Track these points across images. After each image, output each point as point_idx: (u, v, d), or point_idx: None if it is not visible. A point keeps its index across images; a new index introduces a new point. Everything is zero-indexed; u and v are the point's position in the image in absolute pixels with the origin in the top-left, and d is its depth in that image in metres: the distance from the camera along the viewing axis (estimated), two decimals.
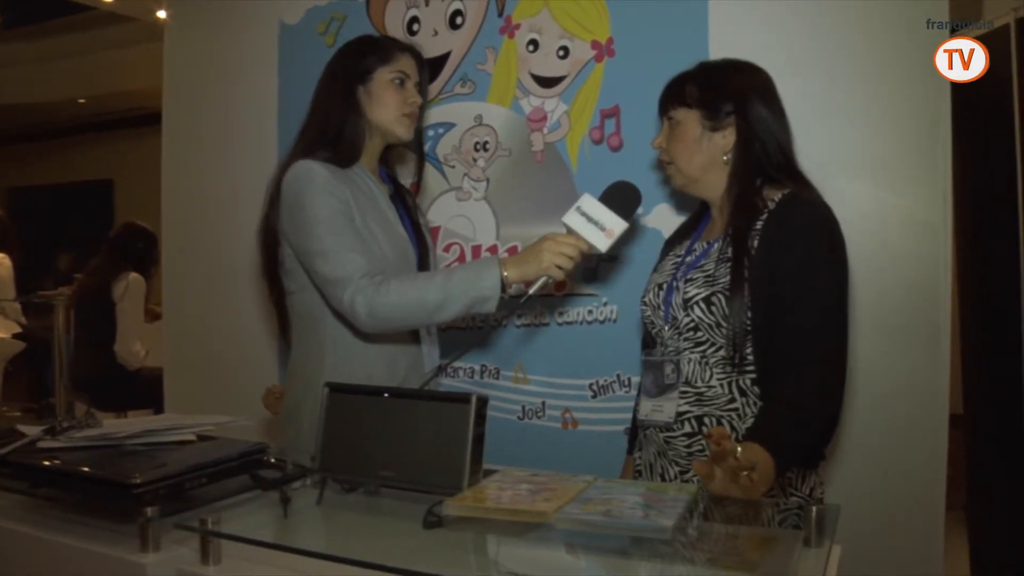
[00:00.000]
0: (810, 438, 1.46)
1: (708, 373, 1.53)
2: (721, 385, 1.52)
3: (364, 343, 1.76)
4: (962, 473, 2.73)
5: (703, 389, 1.53)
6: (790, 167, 1.58)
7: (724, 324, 1.50)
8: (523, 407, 2.35)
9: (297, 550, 1.15)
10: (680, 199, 2.10)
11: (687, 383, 1.55)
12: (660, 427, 1.57)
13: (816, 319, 1.44)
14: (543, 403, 2.33)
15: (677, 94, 1.62)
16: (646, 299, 1.67)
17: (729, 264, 1.51)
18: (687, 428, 1.54)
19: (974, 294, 2.70)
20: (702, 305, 1.52)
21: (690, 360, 1.55)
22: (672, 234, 1.81)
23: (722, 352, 1.51)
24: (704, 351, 1.54)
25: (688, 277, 1.57)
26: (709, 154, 1.59)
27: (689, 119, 1.60)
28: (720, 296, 1.50)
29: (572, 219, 1.53)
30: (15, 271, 5.34)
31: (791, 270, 1.46)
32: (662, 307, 1.61)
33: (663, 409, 1.56)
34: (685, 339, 1.56)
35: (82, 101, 8.32)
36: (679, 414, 1.54)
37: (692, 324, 1.54)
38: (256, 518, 1.32)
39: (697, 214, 1.75)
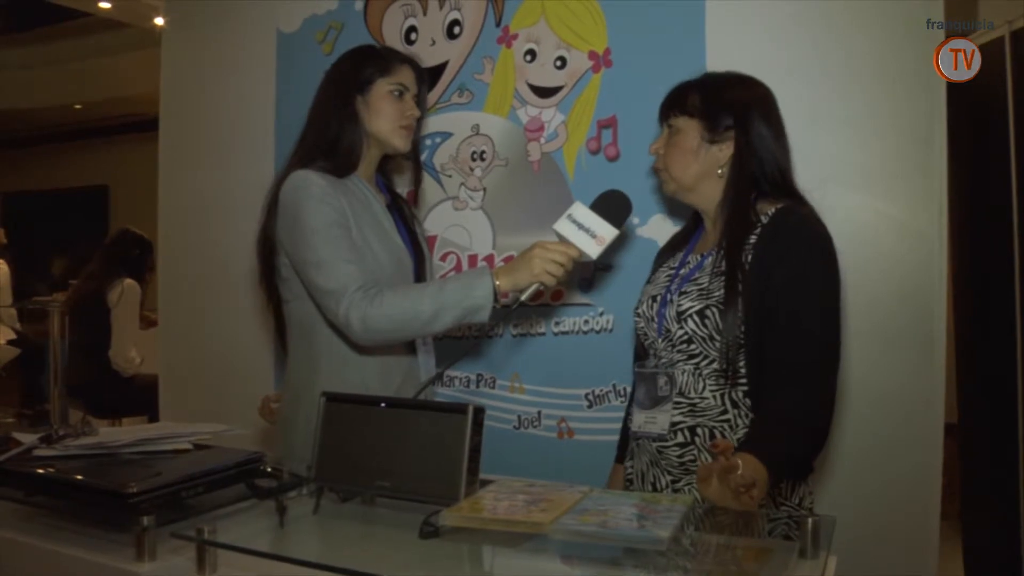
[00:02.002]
0: (802, 451, 1.47)
1: (701, 384, 1.53)
2: (714, 396, 1.52)
3: (359, 353, 1.76)
4: (956, 482, 2.74)
5: (696, 400, 1.54)
6: (787, 186, 1.58)
7: (717, 337, 1.50)
8: (519, 416, 2.35)
9: (293, 559, 1.14)
10: (676, 210, 2.11)
11: (680, 394, 1.55)
12: (653, 438, 1.57)
13: (808, 332, 1.45)
14: (539, 413, 2.33)
15: (679, 102, 1.61)
16: (639, 311, 1.68)
17: (723, 278, 1.51)
18: (680, 438, 1.54)
19: (969, 303, 2.71)
20: (696, 318, 1.52)
21: (684, 371, 1.55)
22: (664, 245, 1.81)
23: (715, 364, 1.52)
24: (697, 363, 1.54)
25: (682, 290, 1.57)
26: (705, 165, 1.59)
27: (689, 128, 1.60)
28: (714, 309, 1.50)
29: (563, 227, 1.53)
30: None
31: (784, 284, 1.46)
32: (656, 319, 1.61)
33: (656, 421, 1.57)
34: (678, 351, 1.56)
35: (78, 107, 8.33)
36: (672, 424, 1.55)
37: (686, 337, 1.54)
38: (252, 527, 1.32)
39: (690, 226, 1.75)
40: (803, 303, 1.45)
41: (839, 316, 1.49)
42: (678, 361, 1.56)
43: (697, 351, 1.54)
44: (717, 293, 1.51)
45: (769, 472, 1.28)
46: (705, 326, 1.51)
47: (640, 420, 1.60)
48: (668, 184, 1.65)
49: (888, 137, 2.02)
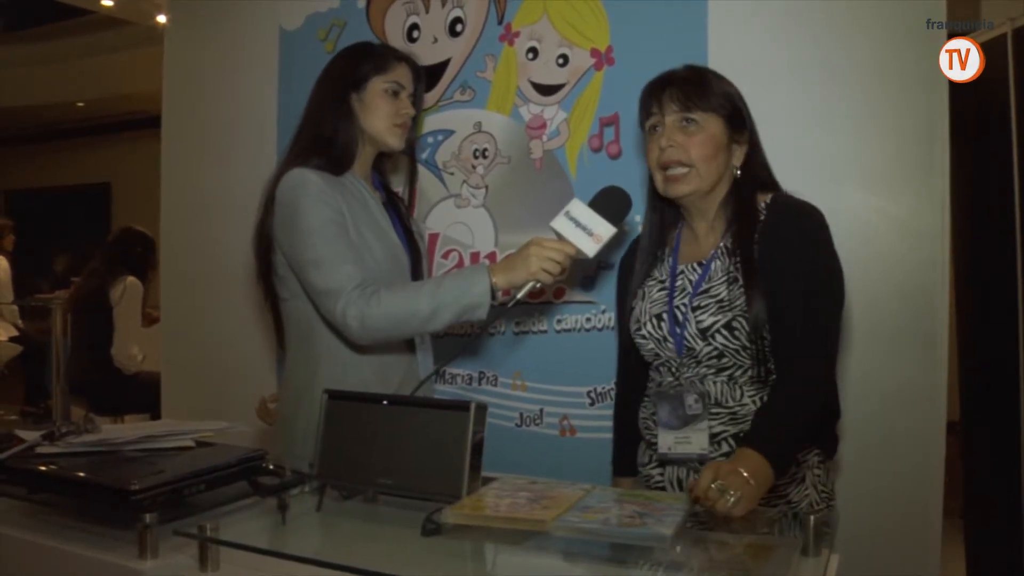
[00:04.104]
0: (804, 433, 1.44)
1: (739, 392, 1.49)
2: (753, 401, 1.49)
3: (358, 352, 1.76)
4: (959, 480, 2.74)
5: (735, 408, 1.49)
6: (771, 177, 1.60)
7: (749, 346, 1.47)
8: (521, 414, 2.35)
9: (295, 557, 1.15)
10: None
11: (717, 403, 1.50)
12: (694, 459, 1.51)
13: (807, 304, 1.44)
14: (541, 410, 2.33)
15: (701, 96, 1.53)
16: (644, 332, 1.60)
17: (740, 285, 1.47)
18: (725, 448, 1.49)
19: (971, 302, 2.71)
20: (724, 332, 1.48)
21: (716, 383, 1.51)
22: (627, 255, 1.73)
23: (750, 372, 1.48)
24: (731, 373, 1.50)
25: (695, 304, 1.52)
26: (727, 165, 1.56)
27: (716, 126, 1.53)
28: (740, 320, 1.46)
29: (560, 224, 1.52)
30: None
31: (783, 263, 1.45)
32: (671, 339, 1.55)
33: (691, 441, 1.51)
34: (706, 366, 1.51)
35: (81, 104, 8.34)
36: (713, 436, 1.49)
37: (715, 352, 1.50)
38: (254, 525, 1.32)
39: (660, 234, 1.67)
40: (797, 279, 1.45)
41: (842, 292, 1.49)
42: (707, 375, 1.52)
43: (729, 363, 1.50)
44: (739, 302, 1.47)
45: (773, 467, 1.28)
46: (736, 338, 1.47)
47: (669, 441, 1.54)
48: (689, 183, 1.53)
49: (890, 136, 2.01)
